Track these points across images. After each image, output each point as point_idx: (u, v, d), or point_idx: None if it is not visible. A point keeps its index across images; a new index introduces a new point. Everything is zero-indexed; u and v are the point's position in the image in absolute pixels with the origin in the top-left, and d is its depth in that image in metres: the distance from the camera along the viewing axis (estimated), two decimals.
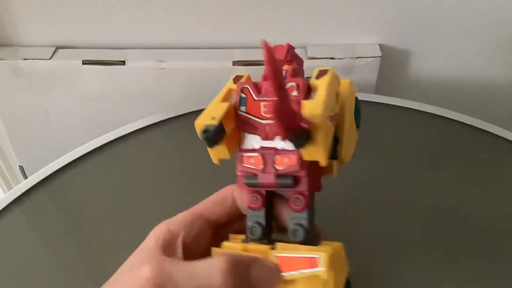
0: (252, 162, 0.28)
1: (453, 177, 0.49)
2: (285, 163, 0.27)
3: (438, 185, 0.47)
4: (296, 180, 0.27)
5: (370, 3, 0.66)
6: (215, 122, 0.26)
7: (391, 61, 0.71)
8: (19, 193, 0.47)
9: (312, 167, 0.27)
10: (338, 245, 0.28)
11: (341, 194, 0.45)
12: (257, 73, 0.31)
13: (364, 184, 0.47)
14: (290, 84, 0.27)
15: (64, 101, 0.71)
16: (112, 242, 0.42)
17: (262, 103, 0.28)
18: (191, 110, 0.57)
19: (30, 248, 0.42)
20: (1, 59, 0.67)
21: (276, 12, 0.66)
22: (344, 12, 0.66)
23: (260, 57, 0.66)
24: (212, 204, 0.30)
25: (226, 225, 0.30)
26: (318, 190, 0.29)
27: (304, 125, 0.24)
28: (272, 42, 0.29)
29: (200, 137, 0.26)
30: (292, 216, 0.28)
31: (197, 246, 0.29)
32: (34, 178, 0.49)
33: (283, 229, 0.29)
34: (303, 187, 0.27)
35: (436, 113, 0.57)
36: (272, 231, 0.30)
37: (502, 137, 0.53)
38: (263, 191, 0.29)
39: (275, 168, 0.27)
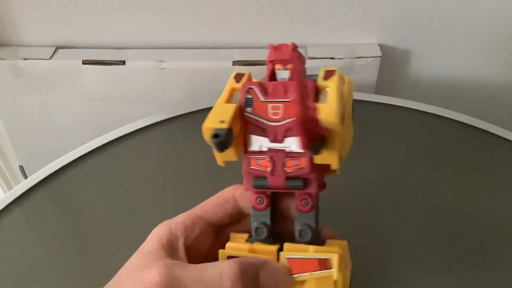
0: (260, 164, 0.28)
1: (453, 177, 0.49)
2: (294, 166, 0.27)
3: (438, 185, 0.47)
4: (305, 182, 0.27)
5: (370, 3, 0.65)
6: (225, 126, 0.25)
7: (391, 61, 0.71)
8: (19, 193, 0.47)
9: (317, 167, 0.27)
10: (344, 244, 0.28)
11: (341, 194, 0.45)
12: (257, 73, 0.31)
13: (364, 184, 0.47)
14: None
15: (64, 101, 0.71)
16: (112, 242, 0.42)
17: (269, 105, 0.27)
18: (191, 110, 0.57)
19: (30, 248, 0.42)
20: (1, 59, 0.67)
21: (276, 12, 0.66)
22: (344, 12, 0.66)
23: (260, 57, 0.66)
24: (213, 206, 0.30)
25: (228, 226, 0.30)
26: (323, 189, 0.29)
27: (323, 132, 0.24)
28: (272, 42, 0.29)
29: (208, 142, 0.26)
30: (298, 216, 0.28)
31: (198, 248, 0.28)
32: (34, 178, 0.48)
33: (288, 228, 0.29)
34: (312, 188, 0.27)
35: (436, 113, 0.57)
36: (277, 232, 0.29)
37: (502, 137, 0.53)
38: (268, 191, 0.29)
39: (284, 170, 0.27)
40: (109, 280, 0.27)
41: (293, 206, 0.28)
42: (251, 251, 0.27)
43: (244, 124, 0.28)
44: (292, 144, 0.27)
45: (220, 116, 0.26)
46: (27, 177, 0.51)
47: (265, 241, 0.28)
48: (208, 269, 0.25)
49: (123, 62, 0.67)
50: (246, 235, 0.29)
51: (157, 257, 0.26)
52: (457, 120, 0.56)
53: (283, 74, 0.29)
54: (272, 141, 0.27)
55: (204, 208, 0.30)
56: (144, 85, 0.69)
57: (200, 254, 0.28)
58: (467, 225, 0.43)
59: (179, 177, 0.49)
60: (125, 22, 0.68)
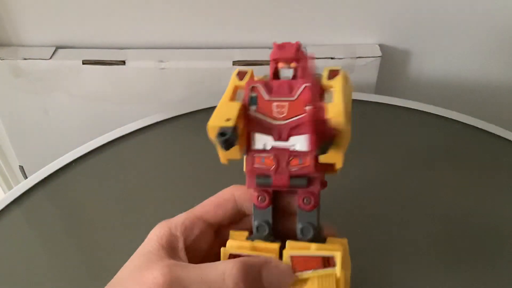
0: (264, 162, 0.28)
1: (453, 176, 0.49)
2: (299, 164, 0.27)
3: (438, 185, 0.47)
4: (309, 180, 0.27)
5: (370, 3, 0.66)
6: (230, 124, 0.25)
7: (391, 61, 0.71)
8: (19, 193, 0.47)
9: (320, 165, 0.27)
10: (344, 242, 0.28)
11: (341, 194, 0.45)
12: (257, 73, 0.31)
13: (364, 184, 0.47)
14: (305, 85, 0.27)
15: (64, 101, 0.71)
16: (112, 242, 0.42)
17: (274, 103, 0.27)
18: (191, 110, 0.57)
19: (30, 248, 0.42)
20: (1, 59, 0.67)
21: (276, 12, 0.66)
22: (344, 12, 0.66)
23: (260, 57, 0.66)
24: (213, 206, 0.30)
25: (227, 226, 0.30)
26: (324, 187, 0.29)
27: (331, 132, 0.24)
28: (276, 41, 0.29)
29: (213, 140, 0.26)
30: (300, 214, 0.28)
31: (198, 248, 0.28)
32: (34, 178, 0.48)
33: (288, 226, 0.29)
34: (315, 187, 0.28)
35: (436, 113, 0.57)
36: (277, 229, 0.29)
37: (502, 137, 0.53)
38: (270, 190, 0.29)
39: (288, 169, 0.27)
40: (109, 280, 0.27)
41: (294, 204, 0.29)
42: (253, 249, 0.27)
43: (248, 122, 0.28)
44: (297, 142, 0.27)
45: (225, 114, 0.26)
46: (27, 177, 0.51)
47: (266, 239, 0.28)
48: (210, 270, 0.25)
49: (123, 62, 0.67)
50: (246, 233, 0.29)
51: (158, 257, 0.26)
52: (457, 120, 0.56)
53: (286, 72, 0.29)
54: (276, 139, 0.27)
55: (204, 208, 0.30)
56: (144, 85, 0.69)
57: (199, 254, 0.28)
58: (467, 225, 0.43)
59: (179, 177, 0.49)
60: (125, 22, 0.68)
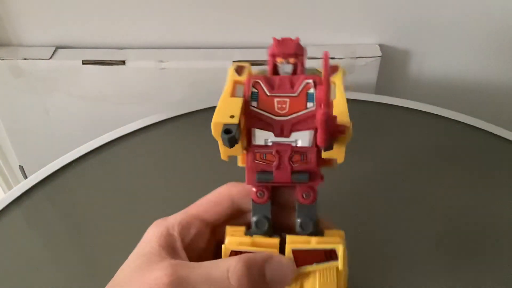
0: (265, 158, 0.28)
1: (453, 176, 0.49)
2: (301, 160, 0.27)
3: (438, 185, 0.47)
4: (310, 175, 0.27)
5: (370, 3, 0.65)
6: (235, 121, 0.25)
7: (391, 61, 0.71)
8: (19, 193, 0.47)
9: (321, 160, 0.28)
10: (342, 233, 0.28)
11: (340, 194, 0.45)
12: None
13: (364, 184, 0.47)
14: (306, 81, 0.27)
15: (64, 101, 0.71)
16: (112, 242, 0.42)
17: (275, 99, 0.27)
18: (191, 110, 0.57)
19: (30, 248, 0.42)
20: (1, 59, 0.67)
21: (276, 12, 0.66)
22: (344, 12, 0.66)
23: (260, 57, 0.66)
24: (209, 205, 0.30)
25: (223, 223, 0.30)
26: (322, 181, 0.29)
27: (340, 130, 0.24)
28: (276, 36, 0.29)
29: (216, 137, 0.26)
30: (299, 209, 0.28)
31: (195, 248, 0.28)
32: (34, 178, 0.48)
33: (286, 220, 0.29)
34: (316, 182, 0.28)
35: (436, 113, 0.57)
36: (275, 224, 0.30)
37: (502, 137, 0.53)
38: (269, 185, 0.29)
39: (290, 164, 0.27)
40: (109, 279, 0.27)
41: (291, 198, 0.29)
42: (254, 244, 0.27)
43: (249, 118, 0.27)
44: (299, 138, 0.27)
45: (228, 111, 0.26)
46: (27, 177, 0.51)
47: (266, 233, 0.28)
48: (214, 267, 0.25)
49: (123, 62, 0.67)
50: (242, 228, 0.29)
51: (160, 258, 0.26)
52: (457, 120, 0.56)
53: (286, 68, 0.29)
54: (278, 135, 0.27)
55: (200, 207, 0.30)
56: (144, 85, 0.69)
57: (196, 253, 0.28)
58: (467, 225, 0.43)
59: (179, 177, 0.49)
60: (125, 22, 0.68)
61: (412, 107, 0.58)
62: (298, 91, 0.27)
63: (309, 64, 0.30)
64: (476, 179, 0.48)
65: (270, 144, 0.27)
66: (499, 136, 0.53)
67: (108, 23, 0.68)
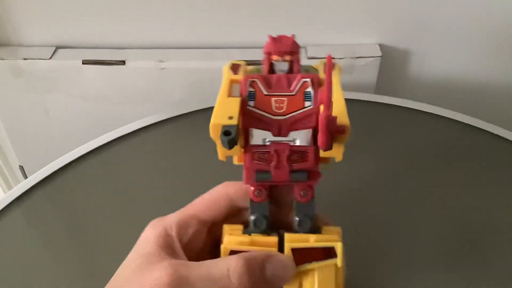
0: (263, 158, 0.27)
1: (453, 176, 0.49)
2: (299, 159, 0.27)
3: (437, 185, 0.47)
4: (309, 174, 0.27)
5: (370, 3, 0.65)
6: (234, 122, 0.25)
7: (391, 61, 0.71)
8: (19, 193, 0.47)
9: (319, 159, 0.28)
10: (339, 230, 0.28)
11: (340, 194, 0.45)
12: None
13: (364, 184, 0.47)
14: (304, 80, 0.27)
15: (64, 101, 0.71)
16: (112, 242, 0.42)
17: (273, 98, 0.27)
18: (191, 110, 0.57)
19: (30, 248, 0.42)
20: (1, 59, 0.67)
21: (276, 12, 0.66)
22: (344, 12, 0.66)
23: (260, 57, 0.66)
24: (206, 204, 0.30)
25: (220, 222, 0.30)
26: (320, 177, 0.29)
27: (340, 130, 0.24)
28: (272, 34, 0.29)
29: (215, 139, 0.26)
30: (298, 207, 0.28)
31: (192, 247, 0.28)
32: (34, 178, 0.48)
33: (283, 217, 0.29)
34: (314, 180, 0.28)
35: (436, 113, 0.57)
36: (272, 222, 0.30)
37: (502, 137, 0.53)
38: (267, 184, 0.29)
39: (289, 164, 0.27)
40: (109, 279, 0.27)
41: (290, 195, 0.29)
42: (253, 243, 0.27)
43: (246, 118, 0.27)
44: (297, 137, 0.27)
45: (227, 111, 0.26)
46: (27, 177, 0.51)
47: (264, 232, 0.28)
48: (214, 266, 0.25)
49: (123, 62, 0.67)
50: (240, 226, 0.29)
51: (160, 258, 0.26)
52: (457, 120, 0.56)
53: (282, 66, 0.29)
54: (276, 134, 0.27)
55: (197, 207, 0.30)
56: (144, 85, 0.69)
57: (194, 253, 0.28)
58: (467, 225, 0.43)
59: (179, 176, 0.49)
60: (125, 22, 0.68)
61: (412, 107, 0.58)
62: (296, 90, 0.27)
63: (305, 62, 0.30)
64: (476, 179, 0.48)
65: (268, 143, 0.27)
66: (499, 136, 0.53)
67: (108, 23, 0.68)
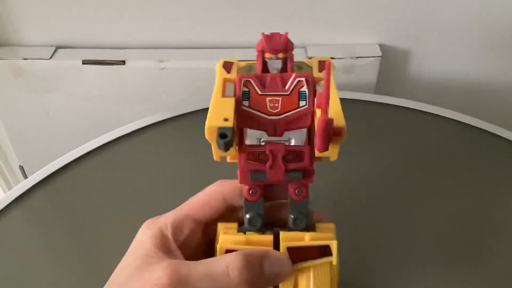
0: (258, 158, 0.27)
1: (453, 176, 0.49)
2: (294, 159, 0.27)
3: (437, 185, 0.47)
4: (303, 173, 0.27)
5: (370, 3, 0.65)
6: (230, 124, 0.25)
7: (391, 61, 0.71)
8: (19, 193, 0.47)
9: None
10: (332, 226, 0.29)
11: (340, 194, 0.45)
12: None
13: (364, 184, 0.47)
14: (299, 79, 0.27)
15: (64, 101, 0.71)
16: (112, 242, 0.42)
17: (267, 98, 0.27)
18: (191, 110, 0.57)
19: (30, 248, 0.42)
20: (1, 59, 0.67)
21: (276, 12, 0.66)
22: (344, 12, 0.66)
23: None
24: (201, 204, 0.30)
25: (215, 221, 0.30)
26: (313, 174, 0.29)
27: (337, 132, 0.24)
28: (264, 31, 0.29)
29: (210, 140, 0.25)
30: (293, 205, 0.28)
31: (187, 247, 0.28)
32: (34, 178, 0.48)
33: (277, 215, 0.29)
34: (309, 179, 0.28)
35: (436, 113, 0.57)
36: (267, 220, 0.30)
37: (502, 137, 0.53)
38: (262, 184, 0.29)
39: (284, 163, 0.27)
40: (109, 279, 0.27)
41: (284, 193, 0.29)
42: (248, 242, 0.27)
43: (241, 118, 0.27)
44: (292, 137, 0.27)
45: (221, 113, 0.26)
46: (27, 177, 0.51)
47: (259, 230, 0.28)
48: (214, 264, 0.25)
49: (123, 62, 0.67)
50: (235, 225, 0.29)
51: (158, 258, 0.26)
52: (457, 120, 0.56)
53: (275, 64, 0.29)
54: (271, 134, 0.27)
55: (192, 206, 0.29)
56: (144, 85, 0.69)
57: (189, 252, 0.28)
58: (466, 225, 0.43)
59: (179, 176, 0.49)
60: (125, 22, 0.68)
61: (412, 107, 0.58)
62: (290, 90, 0.27)
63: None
64: (476, 179, 0.48)
65: (263, 143, 0.27)
66: (499, 136, 0.53)
67: (108, 23, 0.68)
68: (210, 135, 0.26)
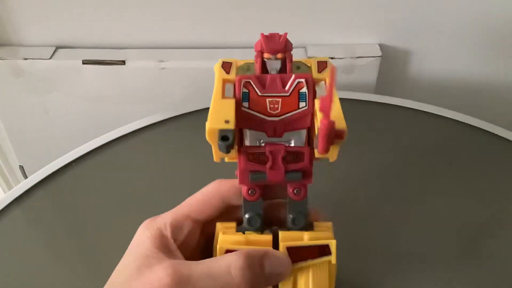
0: (258, 159, 0.27)
1: (453, 176, 0.49)
2: (294, 160, 0.27)
3: (437, 185, 0.47)
4: (303, 173, 0.28)
5: (370, 3, 0.65)
6: (231, 127, 0.25)
7: (391, 61, 0.71)
8: (19, 193, 0.47)
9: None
10: (330, 225, 0.29)
11: (340, 194, 0.45)
12: None
13: (364, 184, 0.47)
14: (299, 80, 0.27)
15: (64, 101, 0.71)
16: (112, 242, 0.42)
17: (267, 99, 0.27)
18: (191, 110, 0.57)
19: (30, 248, 0.42)
20: (1, 59, 0.67)
21: (276, 12, 0.66)
22: (344, 12, 0.66)
23: None
24: (200, 204, 0.30)
25: (213, 220, 0.30)
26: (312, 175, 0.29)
27: (338, 135, 0.24)
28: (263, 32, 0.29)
29: (211, 142, 0.25)
30: (291, 205, 0.28)
31: (187, 247, 0.28)
32: (34, 178, 0.48)
33: (276, 215, 0.29)
34: (308, 179, 0.28)
35: (436, 113, 0.57)
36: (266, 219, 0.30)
37: (502, 137, 0.53)
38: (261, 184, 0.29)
39: (284, 164, 0.27)
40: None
41: (283, 192, 0.29)
42: (247, 242, 0.27)
43: (241, 119, 0.27)
44: (292, 138, 0.27)
45: (222, 115, 0.26)
46: (27, 177, 0.51)
47: (257, 230, 0.28)
48: (215, 264, 0.25)
49: (123, 62, 0.67)
50: (233, 224, 0.29)
51: (159, 258, 0.26)
52: (457, 120, 0.56)
53: (275, 64, 0.29)
54: (270, 135, 0.27)
55: (190, 206, 0.29)
56: (144, 85, 0.69)
57: (187, 252, 0.28)
58: (466, 225, 0.43)
59: (179, 176, 0.49)
60: (125, 22, 0.68)
61: (412, 107, 0.58)
62: (290, 91, 0.27)
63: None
64: (476, 179, 0.48)
65: (262, 144, 0.27)
66: (499, 136, 0.53)
67: (108, 23, 0.68)
68: (211, 137, 0.25)
